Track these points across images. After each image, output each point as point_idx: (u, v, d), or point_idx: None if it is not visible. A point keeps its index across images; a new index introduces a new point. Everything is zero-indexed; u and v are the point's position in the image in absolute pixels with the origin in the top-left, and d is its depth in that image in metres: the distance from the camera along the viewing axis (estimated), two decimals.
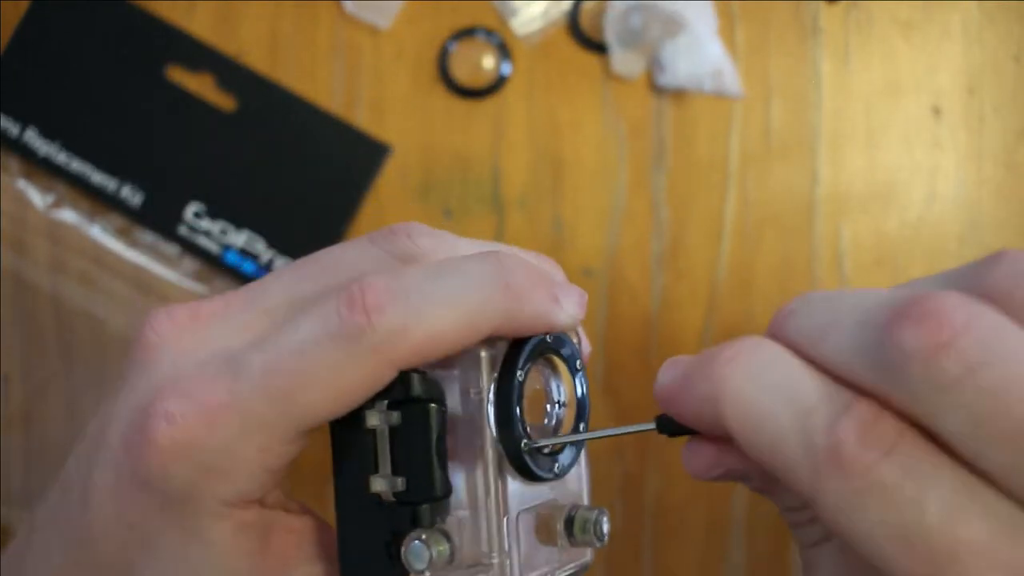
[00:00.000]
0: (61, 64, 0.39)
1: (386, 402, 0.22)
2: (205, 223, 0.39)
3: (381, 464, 0.22)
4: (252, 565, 0.23)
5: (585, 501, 0.25)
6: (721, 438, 0.21)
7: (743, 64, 0.40)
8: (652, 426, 0.22)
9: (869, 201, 0.40)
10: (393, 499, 0.22)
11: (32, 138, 0.39)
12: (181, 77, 0.39)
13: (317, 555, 0.25)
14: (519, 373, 0.22)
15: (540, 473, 0.23)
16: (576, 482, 0.25)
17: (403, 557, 0.21)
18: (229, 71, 0.39)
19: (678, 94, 0.40)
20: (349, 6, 0.39)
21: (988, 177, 0.40)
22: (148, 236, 0.40)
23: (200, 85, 0.39)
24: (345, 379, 0.21)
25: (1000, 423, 0.16)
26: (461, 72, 0.40)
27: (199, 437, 0.22)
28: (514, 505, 0.22)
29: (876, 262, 0.40)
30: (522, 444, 0.22)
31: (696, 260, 0.40)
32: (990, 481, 0.17)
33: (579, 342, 0.26)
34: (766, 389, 0.19)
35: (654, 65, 0.40)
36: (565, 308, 0.24)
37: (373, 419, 0.22)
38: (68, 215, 0.40)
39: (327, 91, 0.40)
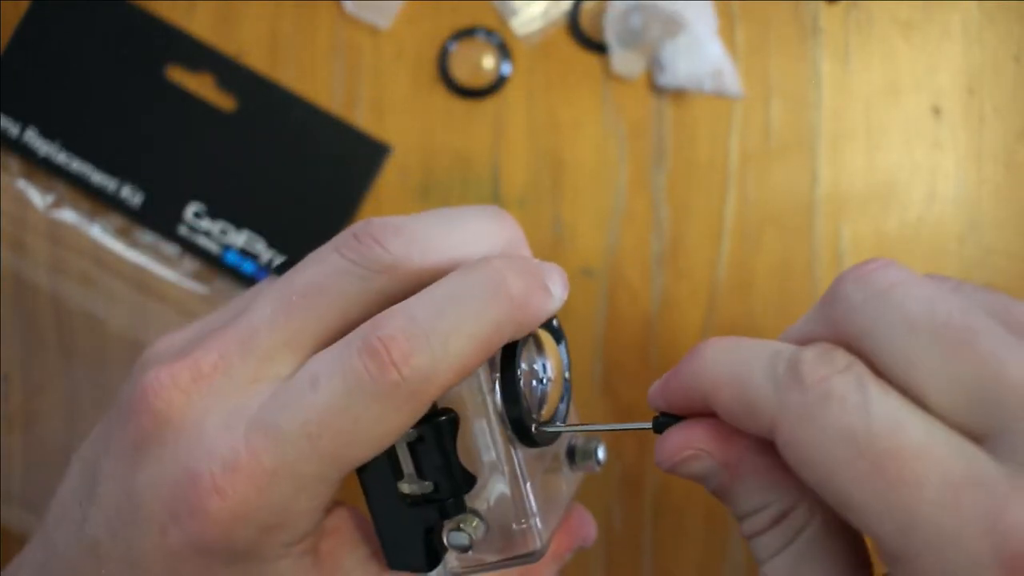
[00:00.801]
0: (61, 64, 0.39)
1: None
2: (205, 223, 0.39)
3: (406, 471, 0.24)
4: None
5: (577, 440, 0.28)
6: (696, 423, 0.23)
7: (743, 64, 0.40)
8: (648, 425, 0.24)
9: (869, 201, 0.40)
10: (422, 499, 0.24)
11: (32, 138, 0.39)
12: (181, 77, 0.39)
13: (359, 541, 0.26)
14: (520, 368, 0.24)
15: (544, 443, 0.25)
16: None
17: (447, 544, 0.24)
18: (229, 71, 0.39)
19: (678, 94, 0.40)
20: (349, 6, 0.39)
21: (988, 177, 0.40)
22: (148, 236, 0.40)
23: (200, 85, 0.39)
24: (389, 426, 0.23)
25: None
26: (461, 72, 0.40)
27: (253, 505, 0.23)
28: (530, 474, 0.25)
29: None
30: (532, 429, 0.24)
31: (696, 260, 0.40)
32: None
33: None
34: (738, 353, 0.22)
35: (654, 65, 0.40)
36: (555, 294, 0.25)
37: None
38: (68, 215, 0.40)
39: (327, 91, 0.40)
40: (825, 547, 0.22)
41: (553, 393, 0.26)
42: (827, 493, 0.20)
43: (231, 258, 0.39)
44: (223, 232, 0.39)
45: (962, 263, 0.40)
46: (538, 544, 0.25)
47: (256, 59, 0.40)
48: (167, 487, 0.23)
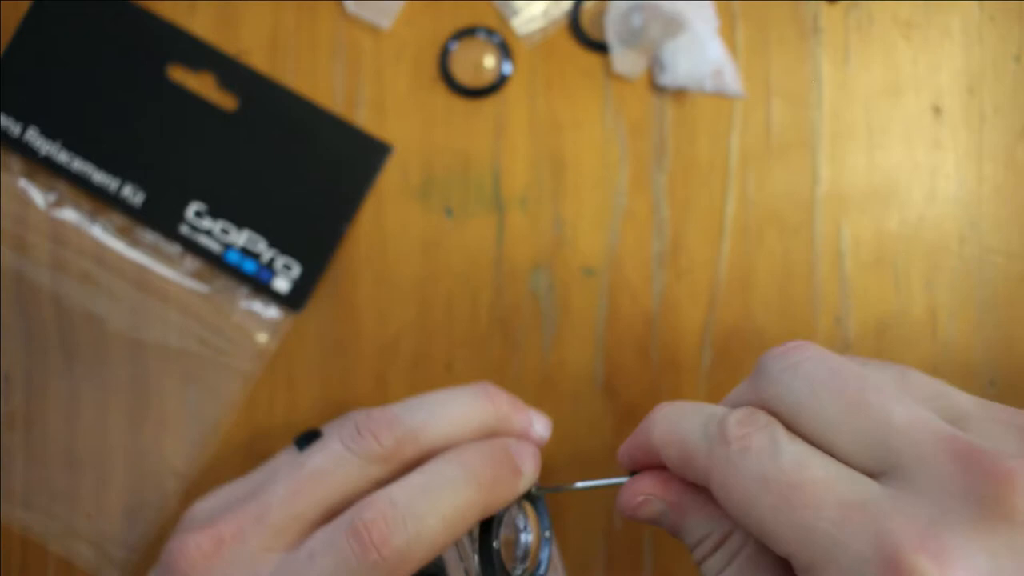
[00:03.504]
0: (62, 64, 0.39)
1: None
2: (206, 222, 0.39)
3: None
4: None
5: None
6: (645, 474, 0.29)
7: (743, 64, 0.40)
8: (625, 479, 0.29)
9: (869, 200, 0.40)
10: None
11: (33, 137, 0.39)
12: (182, 77, 0.40)
13: None
14: (496, 537, 0.29)
15: None
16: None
17: None
18: (230, 71, 0.39)
19: (679, 94, 0.40)
20: (350, 6, 0.39)
21: (988, 176, 0.40)
22: (149, 235, 0.40)
23: (201, 85, 0.40)
24: None
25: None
26: (462, 72, 0.40)
27: None
28: None
29: (876, 261, 0.40)
30: None
31: (696, 260, 0.40)
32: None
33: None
34: (680, 416, 0.27)
35: (655, 65, 0.40)
36: (526, 473, 0.31)
37: None
38: (69, 214, 0.40)
39: (328, 91, 0.40)
40: (759, 563, 0.26)
41: (534, 546, 0.31)
42: (748, 524, 0.24)
43: (232, 257, 0.39)
44: (224, 231, 0.39)
45: (962, 263, 0.40)
46: None
47: (257, 59, 0.40)
48: None
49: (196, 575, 0.29)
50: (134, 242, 0.40)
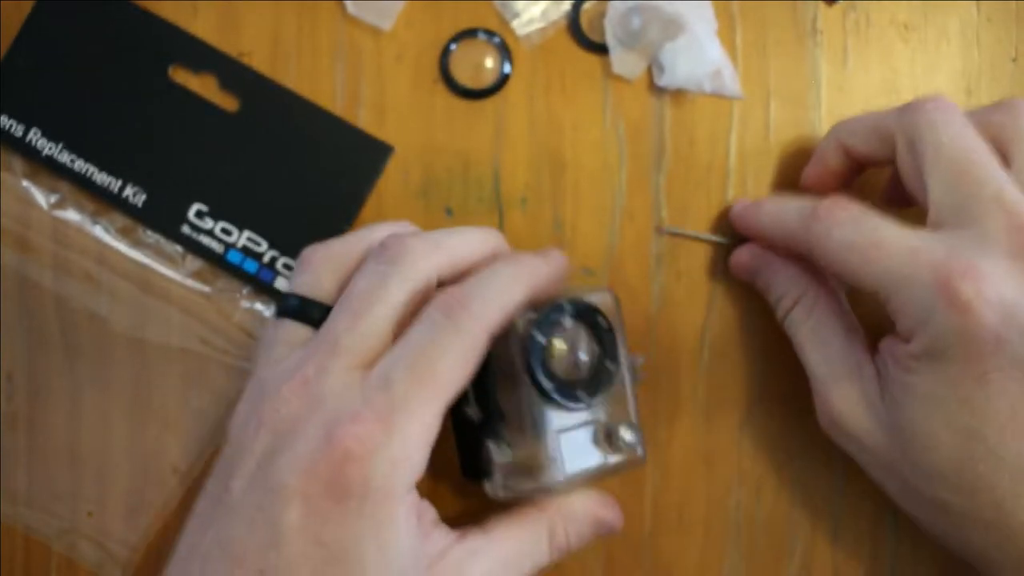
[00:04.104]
0: (65, 64, 0.40)
1: None
2: (208, 223, 0.39)
3: (470, 399, 0.33)
4: (419, 535, 0.30)
5: (632, 417, 0.35)
6: (748, 246, 0.38)
7: (742, 65, 0.40)
8: (726, 240, 0.40)
9: None
10: (476, 422, 0.34)
11: (35, 138, 0.40)
12: (184, 78, 0.40)
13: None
14: (540, 338, 0.32)
15: (570, 405, 0.32)
16: (622, 402, 0.34)
17: (486, 455, 0.33)
18: (231, 72, 0.40)
19: (678, 95, 0.40)
20: (351, 7, 0.40)
21: None
22: (151, 236, 0.40)
23: (203, 86, 0.40)
24: (465, 349, 0.30)
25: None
26: (462, 73, 0.40)
27: (382, 441, 0.29)
28: (553, 427, 0.32)
29: None
30: (546, 387, 0.32)
31: (696, 260, 0.40)
32: None
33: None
34: (781, 206, 0.37)
35: (654, 66, 0.40)
36: (556, 263, 0.34)
37: None
38: (71, 215, 0.40)
39: (329, 91, 0.40)
40: (830, 317, 0.35)
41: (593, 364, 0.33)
42: (843, 275, 0.33)
43: (234, 257, 0.39)
44: (226, 232, 0.39)
45: None
46: (557, 478, 0.32)
47: (259, 60, 0.40)
48: (308, 452, 0.29)
49: (290, 412, 0.30)
50: (136, 242, 0.40)
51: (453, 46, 0.40)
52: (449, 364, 0.30)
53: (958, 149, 0.32)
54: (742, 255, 0.38)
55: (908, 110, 0.34)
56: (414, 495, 0.30)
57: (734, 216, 0.39)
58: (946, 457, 0.31)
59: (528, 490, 0.33)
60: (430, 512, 0.32)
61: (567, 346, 0.33)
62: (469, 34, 0.40)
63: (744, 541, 0.40)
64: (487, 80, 0.40)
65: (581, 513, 0.35)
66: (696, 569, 0.40)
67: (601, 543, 0.40)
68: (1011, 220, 0.30)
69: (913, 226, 0.32)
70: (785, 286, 0.37)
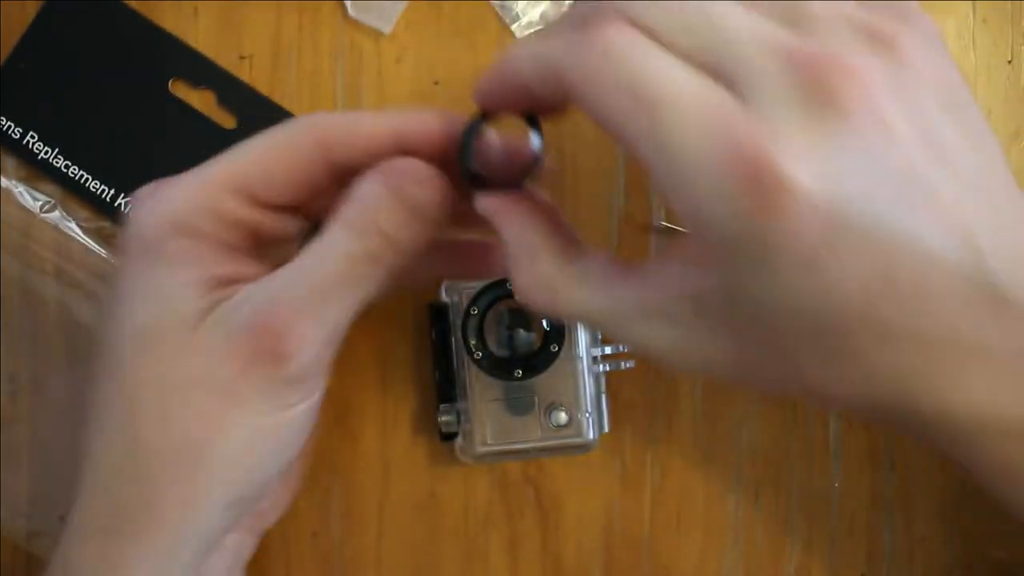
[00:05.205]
0: (67, 70, 0.40)
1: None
2: None
3: (436, 365, 0.37)
4: (186, 285, 0.30)
5: (582, 403, 0.37)
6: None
7: None
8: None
9: None
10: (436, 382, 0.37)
11: (33, 145, 0.40)
12: (184, 92, 0.40)
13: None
14: (473, 308, 0.35)
15: (503, 377, 0.36)
16: (564, 383, 0.37)
17: (438, 419, 0.37)
18: (230, 89, 0.40)
19: None
20: (352, 10, 0.40)
21: None
22: None
23: (202, 101, 0.40)
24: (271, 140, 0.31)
25: None
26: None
27: (151, 189, 0.31)
28: (484, 396, 0.36)
29: None
30: (476, 357, 0.35)
31: None
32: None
33: None
34: (538, 38, 0.28)
35: None
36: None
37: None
38: (67, 224, 0.40)
39: (329, 93, 0.40)
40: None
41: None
42: (617, 137, 0.25)
43: None
44: None
45: None
46: (478, 448, 0.37)
47: (259, 61, 0.40)
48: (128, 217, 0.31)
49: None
50: None
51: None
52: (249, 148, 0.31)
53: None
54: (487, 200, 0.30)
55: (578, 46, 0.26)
56: (183, 244, 0.30)
57: (480, 91, 0.30)
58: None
59: (477, 456, 0.37)
60: (216, 267, 0.30)
61: (507, 322, 0.35)
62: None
63: (743, 542, 0.40)
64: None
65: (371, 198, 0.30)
66: (695, 570, 0.40)
67: (601, 544, 0.40)
68: (794, 66, 0.23)
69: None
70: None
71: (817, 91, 0.23)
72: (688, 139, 0.23)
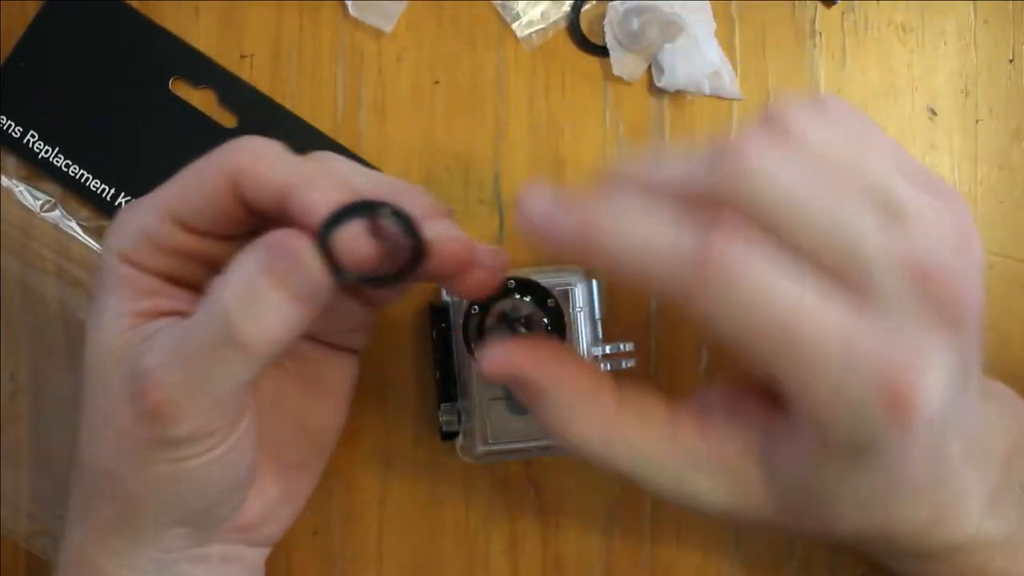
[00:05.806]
0: (67, 69, 0.40)
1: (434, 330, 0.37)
2: None
3: (437, 364, 0.37)
4: (126, 301, 0.30)
5: None
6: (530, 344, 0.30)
7: (741, 66, 0.40)
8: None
9: None
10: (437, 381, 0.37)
11: (34, 144, 0.40)
12: (184, 91, 0.40)
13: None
14: (474, 309, 0.35)
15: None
16: None
17: (439, 418, 0.37)
18: (230, 88, 0.40)
19: (677, 96, 0.40)
20: (352, 9, 0.40)
21: (983, 178, 0.41)
22: None
23: (202, 100, 0.40)
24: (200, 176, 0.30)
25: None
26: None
27: (123, 216, 0.31)
28: (482, 394, 0.36)
29: None
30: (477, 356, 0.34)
31: None
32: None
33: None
34: (634, 221, 0.25)
35: (653, 67, 0.40)
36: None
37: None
38: (67, 223, 0.40)
39: (330, 92, 0.40)
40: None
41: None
42: (744, 355, 0.24)
43: None
44: None
45: None
46: (479, 447, 0.36)
47: (260, 60, 0.40)
48: None
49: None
50: None
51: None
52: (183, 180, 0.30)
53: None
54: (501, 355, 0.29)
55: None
56: (129, 270, 0.30)
57: (537, 222, 0.26)
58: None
59: (478, 455, 0.36)
60: (146, 300, 0.30)
61: (507, 321, 0.35)
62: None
63: (743, 545, 0.40)
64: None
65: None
66: (696, 571, 0.40)
67: (601, 545, 0.40)
68: (910, 272, 0.24)
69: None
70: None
71: (934, 302, 0.24)
72: (832, 374, 0.23)
